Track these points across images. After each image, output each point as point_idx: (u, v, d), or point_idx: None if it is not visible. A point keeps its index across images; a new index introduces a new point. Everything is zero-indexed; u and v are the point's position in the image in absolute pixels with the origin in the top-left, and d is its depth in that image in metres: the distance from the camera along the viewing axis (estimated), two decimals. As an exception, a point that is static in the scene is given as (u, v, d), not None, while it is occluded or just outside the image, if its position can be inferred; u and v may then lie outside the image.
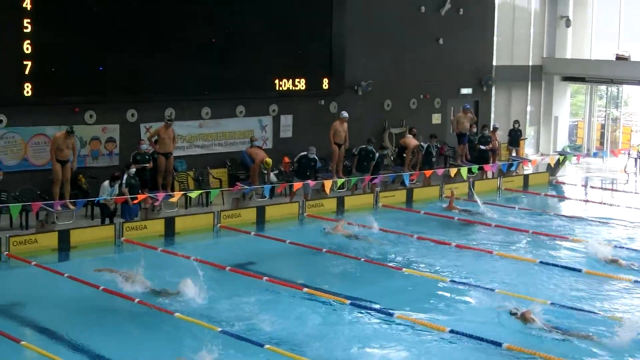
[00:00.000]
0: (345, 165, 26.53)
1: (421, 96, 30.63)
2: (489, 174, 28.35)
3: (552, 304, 15.55)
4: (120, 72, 22.85)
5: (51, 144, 21.51)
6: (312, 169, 24.65)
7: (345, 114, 25.82)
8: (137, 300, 15.35)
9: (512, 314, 14.58)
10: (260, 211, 22.45)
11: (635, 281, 17.18)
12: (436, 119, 31.20)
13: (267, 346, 13.30)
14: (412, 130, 28.43)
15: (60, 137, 21.36)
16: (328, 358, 13.08)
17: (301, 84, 26.55)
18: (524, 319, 14.38)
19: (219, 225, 21.51)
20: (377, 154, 26.09)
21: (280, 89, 26.17)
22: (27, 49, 21.19)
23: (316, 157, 24.53)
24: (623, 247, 19.93)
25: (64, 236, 19.29)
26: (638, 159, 31.90)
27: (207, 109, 25.09)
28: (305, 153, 24.54)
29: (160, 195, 21.26)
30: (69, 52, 21.97)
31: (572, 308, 15.42)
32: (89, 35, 22.24)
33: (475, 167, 26.78)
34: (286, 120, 26.97)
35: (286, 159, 25.91)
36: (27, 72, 21.25)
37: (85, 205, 21.07)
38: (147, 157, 22.72)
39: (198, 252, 18.31)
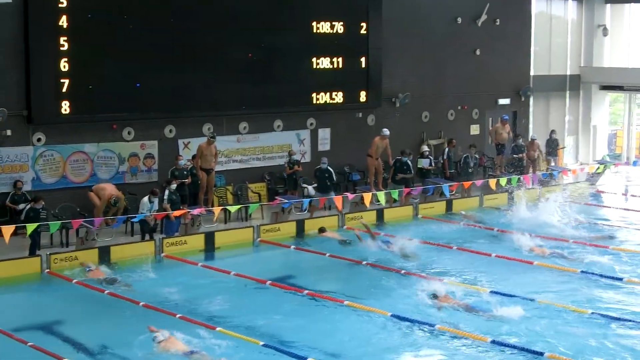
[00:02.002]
0: (385, 177, 26.42)
1: (459, 107, 30.53)
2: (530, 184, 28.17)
3: (592, 313, 15.49)
4: (158, 88, 22.98)
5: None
6: (330, 180, 24.50)
7: (386, 131, 25.70)
8: (178, 315, 15.42)
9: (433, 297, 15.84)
10: (300, 224, 22.45)
11: None
12: (474, 129, 31.07)
13: (310, 359, 13.29)
14: (452, 141, 28.30)
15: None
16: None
17: (338, 97, 26.56)
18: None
19: (258, 239, 21.53)
20: (410, 165, 26.06)
21: (318, 102, 26.20)
22: (64, 67, 21.42)
23: (329, 168, 24.43)
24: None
25: (103, 252, 19.40)
26: (678, 167, 31.59)
27: (245, 123, 25.17)
28: (319, 166, 24.58)
29: (199, 210, 21.32)
30: (106, 69, 22.17)
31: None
32: (126, 52, 22.41)
33: (515, 178, 26.58)
34: (324, 134, 26.98)
35: (325, 173, 25.90)
36: (64, 90, 21.48)
37: (125, 222, 21.17)
38: (185, 172, 22.81)
39: (238, 267, 18.30)
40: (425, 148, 27.52)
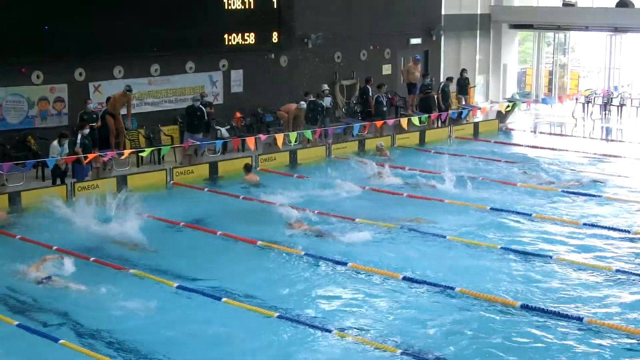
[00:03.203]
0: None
1: (371, 47, 30.64)
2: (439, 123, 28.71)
3: (501, 247, 16.01)
4: (67, 31, 22.52)
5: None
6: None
7: (303, 104, 25.61)
8: (92, 259, 15.42)
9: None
10: (213, 167, 22.45)
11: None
12: (386, 69, 31.25)
13: (224, 299, 13.46)
14: (369, 80, 28.47)
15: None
16: (286, 307, 13.23)
17: (250, 38, 26.43)
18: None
19: (171, 182, 21.49)
20: (326, 107, 26.22)
21: (230, 43, 26.03)
22: (-31, 10, 20.89)
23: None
24: (571, 192, 20.35)
25: (14, 197, 19.15)
26: (586, 104, 32.33)
27: (156, 65, 24.90)
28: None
29: (111, 153, 21.15)
30: (13, 13, 21.62)
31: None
32: (33, -6, 21.92)
33: (425, 116, 27.01)
34: (236, 75, 26.86)
35: (238, 114, 25.88)
36: (-29, 34, 20.97)
37: (35, 166, 20.89)
38: (94, 116, 22.54)
39: (151, 209, 18.28)
40: (325, 87, 27.54)
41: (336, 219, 18.08)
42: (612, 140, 28.58)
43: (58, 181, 20.65)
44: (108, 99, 23.11)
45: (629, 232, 17.08)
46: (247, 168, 21.69)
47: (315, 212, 18.39)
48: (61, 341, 11.94)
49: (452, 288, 13.91)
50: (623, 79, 33.88)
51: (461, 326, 12.56)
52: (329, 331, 12.31)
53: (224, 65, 26.49)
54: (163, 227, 17.46)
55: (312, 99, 26.00)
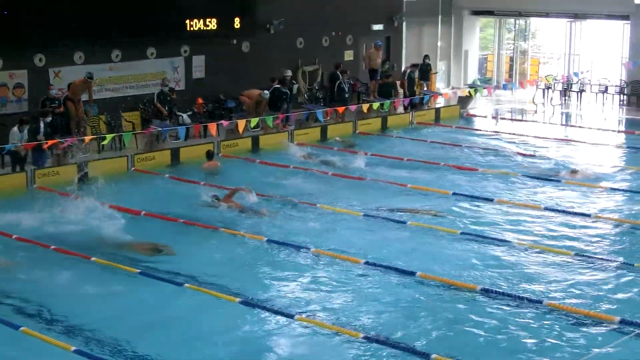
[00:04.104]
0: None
1: (333, 33, 30.63)
2: (401, 109, 28.82)
3: (461, 233, 16.12)
4: (26, 17, 22.30)
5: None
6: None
7: (266, 93, 25.56)
8: (52, 247, 15.36)
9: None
10: (175, 153, 22.38)
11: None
12: (348, 55, 31.27)
13: (186, 285, 13.47)
14: (339, 66, 28.51)
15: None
16: (248, 293, 13.25)
17: (212, 24, 26.31)
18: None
19: (133, 168, 21.38)
20: (289, 93, 26.22)
21: (192, 29, 25.90)
22: None
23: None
24: (532, 177, 20.56)
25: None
26: (546, 90, 32.58)
27: (118, 51, 24.71)
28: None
29: (71, 139, 20.99)
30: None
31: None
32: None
33: (387, 103, 27.09)
34: (198, 61, 26.74)
35: (199, 100, 25.78)
36: None
37: (-6, 152, 20.74)
38: (56, 102, 22.35)
39: (112, 197, 18.18)
40: (288, 72, 27.47)
41: (300, 204, 18.11)
42: (571, 126, 28.81)
43: (17, 168, 20.47)
44: (69, 85, 22.91)
45: (589, 216, 17.26)
46: (209, 155, 21.61)
47: (278, 196, 18.46)
48: (22, 328, 11.87)
49: (413, 273, 13.99)
50: (583, 65, 34.15)
51: (422, 310, 12.65)
52: (292, 316, 12.34)
53: (185, 51, 26.36)
54: (124, 215, 17.36)
55: (276, 85, 25.91)
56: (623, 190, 19.57)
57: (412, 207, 17.87)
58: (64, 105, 22.46)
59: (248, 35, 27.58)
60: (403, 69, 31.42)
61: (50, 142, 20.39)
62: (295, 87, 28.07)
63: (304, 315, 12.38)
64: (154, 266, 14.45)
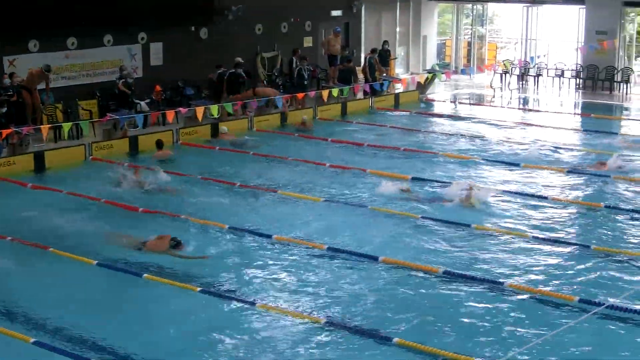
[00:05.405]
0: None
1: (292, 19, 30.52)
2: (360, 94, 28.85)
3: (421, 217, 16.12)
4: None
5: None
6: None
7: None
8: (9, 238, 15.15)
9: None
10: (133, 141, 22.19)
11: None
12: (307, 42, 31.19)
13: (145, 275, 13.37)
14: (296, 51, 28.51)
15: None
16: (208, 281, 13.20)
17: (170, 10, 26.04)
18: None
19: (90, 157, 21.18)
20: (245, 78, 26.15)
21: (149, 16, 25.62)
22: None
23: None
24: (490, 161, 20.66)
25: None
26: (503, 75, 32.76)
27: (73, 39, 24.42)
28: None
29: (27, 129, 20.74)
30: None
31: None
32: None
33: (346, 89, 27.10)
34: (156, 48, 26.52)
35: (157, 88, 25.57)
36: None
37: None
38: (10, 90, 22.06)
39: (70, 186, 17.97)
40: (239, 59, 27.29)
41: (260, 191, 18.08)
42: (528, 110, 29.00)
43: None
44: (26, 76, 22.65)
45: (546, 198, 17.40)
46: (159, 144, 21.46)
47: (238, 184, 18.41)
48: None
49: (375, 257, 14.01)
50: (539, 50, 34.40)
51: (385, 294, 12.68)
52: (253, 304, 12.29)
53: (143, 38, 26.13)
54: (82, 204, 17.19)
55: (231, 70, 25.82)
56: (579, 172, 19.71)
57: (372, 191, 17.90)
58: (19, 94, 22.16)
59: (206, 21, 27.40)
60: (363, 55, 31.46)
61: (5, 132, 20.10)
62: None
63: (265, 302, 12.35)
64: (113, 257, 14.30)
